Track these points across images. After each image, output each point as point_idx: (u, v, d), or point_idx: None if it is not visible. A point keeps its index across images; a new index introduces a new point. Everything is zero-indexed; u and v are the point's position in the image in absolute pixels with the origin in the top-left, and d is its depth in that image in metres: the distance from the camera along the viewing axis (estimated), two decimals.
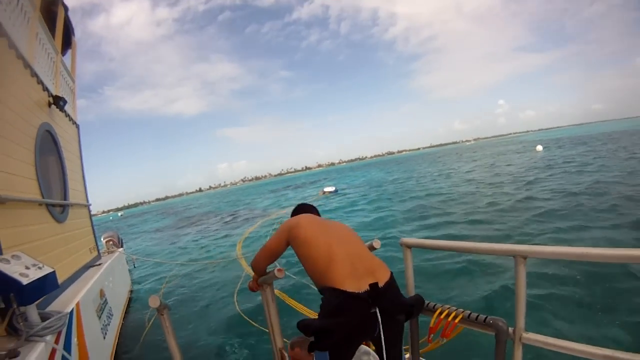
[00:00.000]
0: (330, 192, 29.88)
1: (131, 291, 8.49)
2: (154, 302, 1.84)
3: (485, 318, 1.64)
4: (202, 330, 5.90)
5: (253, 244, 13.00)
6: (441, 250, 6.20)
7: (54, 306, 3.18)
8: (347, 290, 1.50)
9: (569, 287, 5.11)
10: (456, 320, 1.73)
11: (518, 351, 1.55)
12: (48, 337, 2.32)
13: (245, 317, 5.80)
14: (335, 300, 1.52)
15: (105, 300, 4.84)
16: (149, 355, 5.05)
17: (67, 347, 2.74)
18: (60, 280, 3.22)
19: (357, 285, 1.52)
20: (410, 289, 2.02)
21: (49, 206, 3.96)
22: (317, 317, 1.62)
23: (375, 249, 2.17)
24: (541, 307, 4.56)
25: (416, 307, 1.73)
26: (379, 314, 1.51)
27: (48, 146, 4.40)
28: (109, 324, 4.69)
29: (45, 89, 4.29)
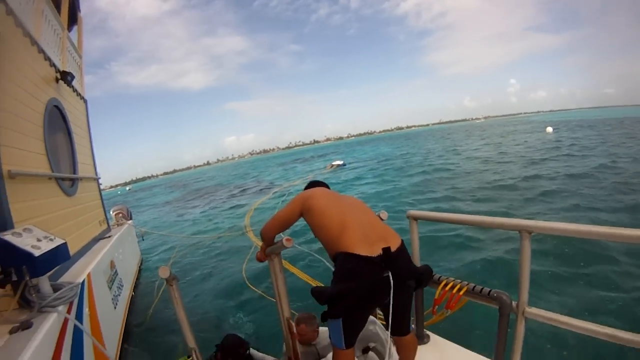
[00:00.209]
0: (338, 165, 30.16)
1: (141, 263, 8.71)
2: (163, 272, 1.90)
3: (490, 291, 1.68)
4: (210, 300, 6.08)
5: (261, 214, 13.22)
6: (444, 223, 6.27)
7: (65, 278, 3.29)
8: (361, 254, 1.53)
9: (567, 264, 5.19)
10: (461, 293, 1.77)
11: (520, 325, 1.57)
12: (60, 308, 2.40)
13: (252, 287, 5.97)
14: (348, 264, 1.55)
15: (116, 271, 4.98)
16: (158, 325, 5.24)
17: (79, 316, 2.85)
18: (71, 252, 3.32)
19: (369, 249, 1.55)
20: (416, 260, 2.04)
21: (59, 180, 4.03)
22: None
23: (383, 220, 2.18)
24: (535, 282, 4.62)
25: (425, 276, 1.75)
26: (391, 278, 1.53)
27: (56, 121, 4.44)
28: (119, 295, 4.84)
29: (53, 65, 4.29)
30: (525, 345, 1.61)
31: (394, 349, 1.96)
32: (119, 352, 4.12)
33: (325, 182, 2.27)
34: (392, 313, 1.59)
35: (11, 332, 2.03)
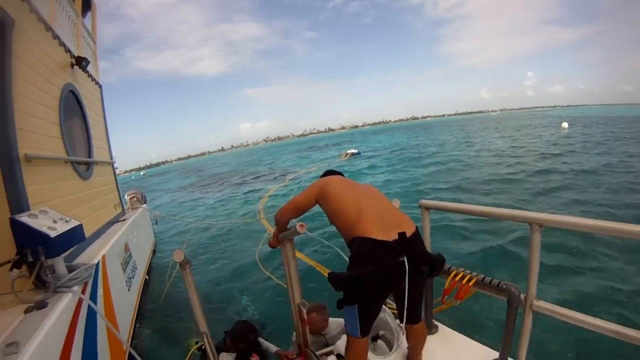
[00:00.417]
0: (353, 154, 30.14)
1: (155, 246, 8.88)
2: (178, 256, 1.93)
3: (499, 283, 1.67)
4: (223, 285, 6.17)
5: (276, 200, 13.31)
6: (456, 213, 6.21)
7: (80, 259, 3.38)
8: (377, 238, 1.54)
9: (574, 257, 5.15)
10: (470, 283, 1.77)
11: (528, 318, 1.56)
12: (75, 288, 2.46)
13: (265, 271, 6.04)
14: (365, 249, 1.56)
15: (130, 254, 5.09)
16: (171, 307, 5.36)
17: (93, 297, 2.92)
18: (86, 235, 3.39)
19: (385, 234, 1.56)
20: (427, 249, 2.04)
21: (74, 164, 4.10)
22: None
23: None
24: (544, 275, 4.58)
25: (439, 263, 1.75)
26: (406, 263, 1.54)
27: (72, 106, 4.50)
28: (133, 277, 4.95)
29: (68, 50, 4.33)
30: (531, 337, 1.60)
31: (402, 338, 1.96)
32: (131, 333, 4.24)
33: (341, 171, 2.29)
34: (407, 296, 1.60)
35: (26, 311, 2.09)
